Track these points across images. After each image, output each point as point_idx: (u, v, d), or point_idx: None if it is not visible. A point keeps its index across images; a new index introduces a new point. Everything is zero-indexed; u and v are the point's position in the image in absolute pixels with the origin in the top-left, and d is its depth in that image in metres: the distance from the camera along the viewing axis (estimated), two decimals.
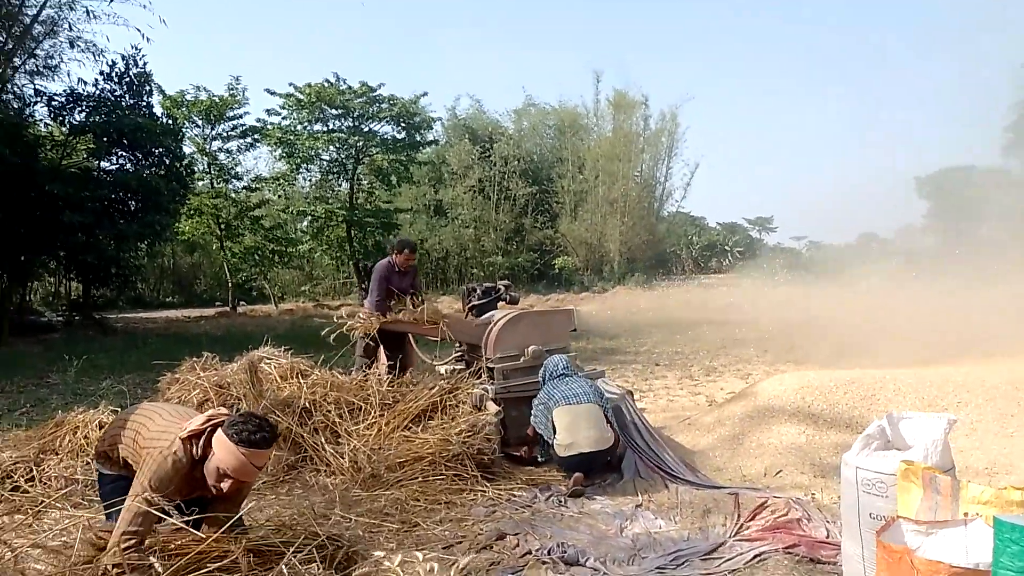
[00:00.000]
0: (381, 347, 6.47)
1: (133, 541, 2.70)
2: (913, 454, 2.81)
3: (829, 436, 5.33)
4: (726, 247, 49.80)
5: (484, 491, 4.75)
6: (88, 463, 4.92)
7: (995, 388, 5.51)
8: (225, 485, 2.78)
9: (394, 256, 6.82)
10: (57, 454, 5.04)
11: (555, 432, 4.81)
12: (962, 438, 4.96)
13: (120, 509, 2.79)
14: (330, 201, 27.47)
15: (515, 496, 4.71)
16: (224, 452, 2.75)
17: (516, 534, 3.98)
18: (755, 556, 3.60)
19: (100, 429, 5.16)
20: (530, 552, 3.72)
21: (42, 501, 4.46)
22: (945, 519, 2.43)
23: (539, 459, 5.28)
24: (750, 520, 4.07)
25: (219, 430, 2.80)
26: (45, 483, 4.79)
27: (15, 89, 16.89)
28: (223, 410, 3.03)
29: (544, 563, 3.59)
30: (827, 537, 3.73)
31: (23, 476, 4.81)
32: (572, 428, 4.77)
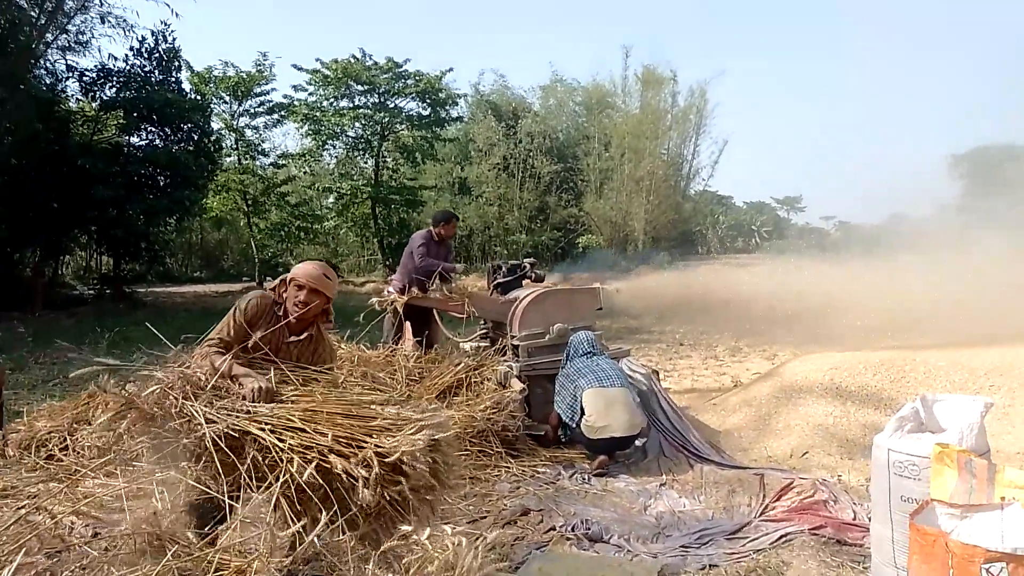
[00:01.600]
0: (407, 323, 6.49)
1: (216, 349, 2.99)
2: (948, 437, 2.77)
3: (857, 418, 5.27)
4: (753, 227, 49.22)
5: (508, 467, 4.77)
6: (121, 434, 5.02)
7: None
8: (302, 296, 3.06)
9: (438, 228, 6.85)
10: (90, 424, 5.14)
11: (583, 413, 4.79)
12: (993, 422, 4.85)
13: None
14: (355, 178, 27.52)
15: (539, 473, 4.73)
16: (301, 269, 3.15)
17: (540, 510, 4.00)
18: (781, 536, 3.58)
19: None
20: (554, 528, 3.74)
21: (76, 470, 4.56)
22: (980, 503, 2.39)
23: (562, 439, 5.28)
24: (776, 501, 4.05)
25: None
26: (79, 452, 4.89)
27: (47, 64, 17.12)
28: None
29: (568, 539, 3.61)
30: (854, 519, 3.70)
31: (57, 445, 4.92)
32: (606, 411, 4.74)
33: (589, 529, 3.69)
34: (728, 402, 6.22)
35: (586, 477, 4.64)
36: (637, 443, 5.07)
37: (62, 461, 4.77)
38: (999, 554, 2.12)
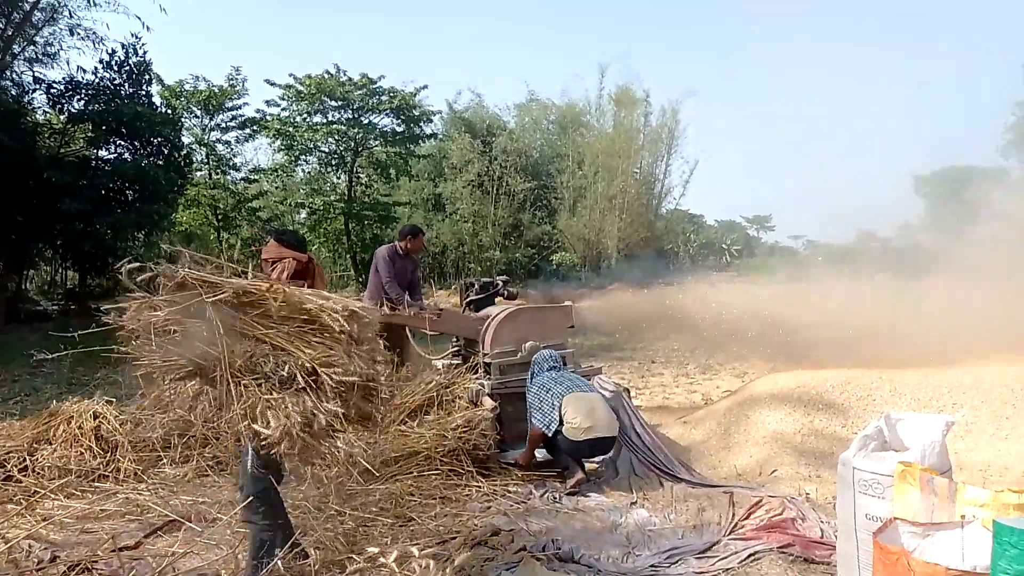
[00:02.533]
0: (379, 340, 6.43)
1: None
2: (910, 455, 2.81)
3: (824, 435, 5.33)
4: (724, 245, 49.82)
5: (479, 486, 4.74)
6: (82, 453, 4.92)
7: (991, 390, 5.51)
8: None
9: (404, 242, 6.79)
10: (51, 444, 5.03)
11: (562, 422, 4.79)
12: (957, 440, 4.95)
13: None
14: (328, 193, 27.37)
15: (510, 492, 4.71)
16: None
17: (511, 530, 3.98)
18: (749, 555, 3.60)
19: (94, 419, 5.15)
20: (525, 548, 3.72)
21: (35, 491, 4.45)
22: (942, 521, 2.42)
23: (536, 459, 5.26)
24: (745, 519, 4.07)
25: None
26: (39, 473, 4.78)
27: (14, 76, 16.81)
28: None
29: (538, 559, 3.59)
30: (821, 537, 3.73)
31: (16, 466, 4.80)
32: (590, 413, 4.78)
33: (559, 548, 3.68)
34: (698, 419, 6.25)
35: (557, 496, 4.63)
36: (609, 458, 5.08)
37: (21, 482, 4.65)
38: (959, 572, 2.15)
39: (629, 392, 6.02)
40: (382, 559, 2.41)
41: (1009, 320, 7.80)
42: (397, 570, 2.27)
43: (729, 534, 3.91)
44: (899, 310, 10.55)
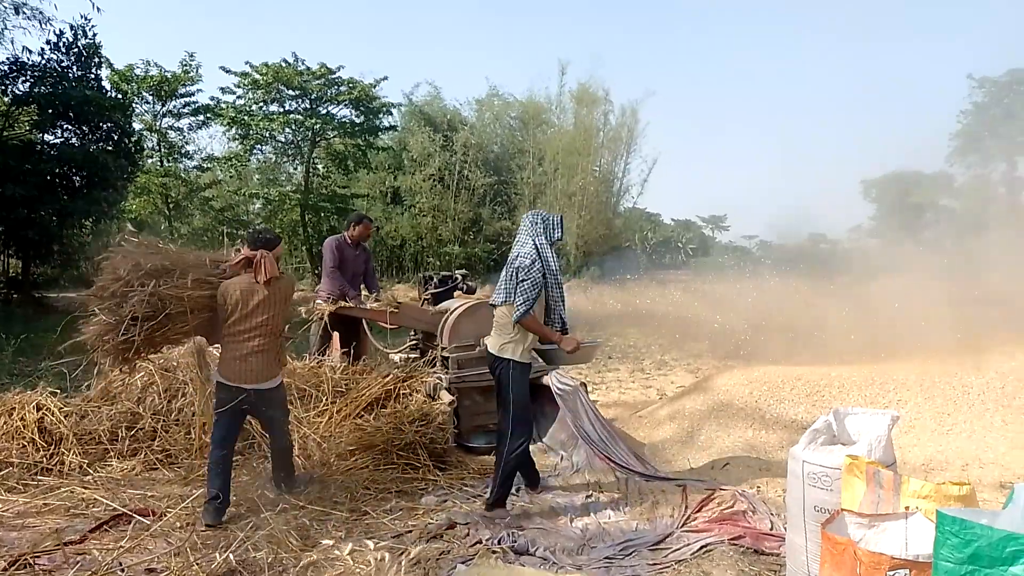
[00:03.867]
0: (335, 333, 6.36)
1: None
2: (857, 449, 2.89)
3: (776, 430, 5.45)
4: (680, 244, 50.51)
5: (435, 480, 4.73)
6: (24, 446, 4.75)
7: (933, 387, 5.70)
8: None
9: (351, 231, 6.64)
10: None
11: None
12: (901, 435, 5.11)
13: None
14: (284, 184, 26.94)
15: (466, 486, 4.71)
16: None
17: (466, 523, 3.98)
18: (701, 547, 3.66)
19: (38, 411, 4.98)
20: (480, 542, 3.72)
21: None
22: (887, 512, 2.50)
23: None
24: (697, 512, 4.14)
25: None
26: None
27: None
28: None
29: (494, 552, 3.59)
30: (771, 529, 3.81)
31: None
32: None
33: (515, 542, 3.69)
34: (654, 415, 6.33)
35: (514, 490, 4.63)
36: (563, 455, 5.11)
37: None
38: (903, 561, 2.22)
39: (586, 387, 6.06)
40: (336, 551, 2.39)
41: (952, 319, 8.08)
42: (352, 563, 2.25)
43: (682, 526, 3.97)
44: (847, 309, 10.83)
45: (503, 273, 4.36)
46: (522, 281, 4.19)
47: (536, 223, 4.41)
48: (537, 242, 4.33)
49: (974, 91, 33.63)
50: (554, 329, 4.38)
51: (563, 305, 4.45)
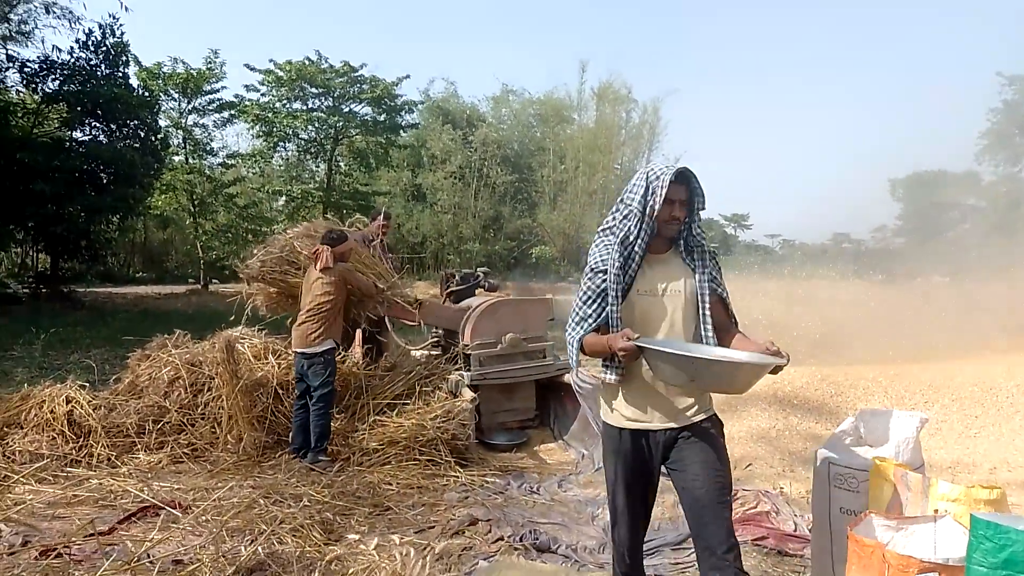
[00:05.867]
0: (357, 331, 6.39)
1: None
2: (885, 451, 2.85)
3: (799, 431, 5.40)
4: None
5: (457, 476, 4.75)
6: (54, 438, 4.84)
7: (961, 388, 5.62)
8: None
9: (373, 225, 6.64)
10: (22, 428, 4.95)
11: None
12: (928, 437, 5.05)
13: None
14: (307, 181, 27.13)
15: (488, 482, 4.72)
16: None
17: (488, 520, 3.99)
18: None
19: (67, 404, 5.07)
20: (502, 538, 3.73)
21: (6, 476, 4.37)
22: (915, 515, 2.47)
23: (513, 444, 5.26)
24: None
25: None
26: (9, 457, 4.70)
27: None
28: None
29: (516, 549, 3.60)
30: (795, 530, 3.79)
31: None
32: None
33: (537, 539, 3.69)
34: None
35: (535, 487, 4.64)
36: (584, 452, 5.10)
37: None
38: (932, 564, 2.19)
39: None
40: (362, 546, 2.41)
41: (979, 320, 7.96)
42: (378, 557, 2.27)
43: None
44: (873, 309, 10.71)
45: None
46: None
47: None
48: None
49: (1004, 88, 33.06)
50: None
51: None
